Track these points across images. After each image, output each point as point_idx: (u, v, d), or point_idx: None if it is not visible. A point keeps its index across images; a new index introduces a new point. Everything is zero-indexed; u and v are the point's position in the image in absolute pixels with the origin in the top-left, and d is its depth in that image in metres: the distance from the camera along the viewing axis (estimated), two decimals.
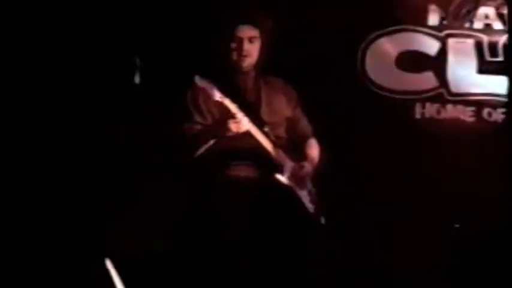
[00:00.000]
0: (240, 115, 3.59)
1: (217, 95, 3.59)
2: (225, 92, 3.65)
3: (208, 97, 3.61)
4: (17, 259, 4.05)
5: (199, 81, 3.59)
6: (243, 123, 3.60)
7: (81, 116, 4.26)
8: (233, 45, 3.72)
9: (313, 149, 3.92)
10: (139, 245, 4.14)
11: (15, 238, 4.11)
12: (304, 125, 3.94)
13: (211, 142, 3.67)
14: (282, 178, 3.73)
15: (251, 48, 3.74)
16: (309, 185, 3.84)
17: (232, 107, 3.60)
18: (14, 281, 3.91)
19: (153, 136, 4.21)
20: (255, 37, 3.75)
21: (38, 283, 3.93)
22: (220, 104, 3.60)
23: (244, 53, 3.72)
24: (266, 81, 3.86)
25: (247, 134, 3.65)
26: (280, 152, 3.74)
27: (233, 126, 3.59)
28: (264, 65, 3.89)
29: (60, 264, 4.00)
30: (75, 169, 4.24)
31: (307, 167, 3.81)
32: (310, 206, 3.79)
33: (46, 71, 4.29)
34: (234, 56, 3.73)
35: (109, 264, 3.83)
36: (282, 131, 3.84)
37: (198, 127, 3.71)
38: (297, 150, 3.84)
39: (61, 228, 4.16)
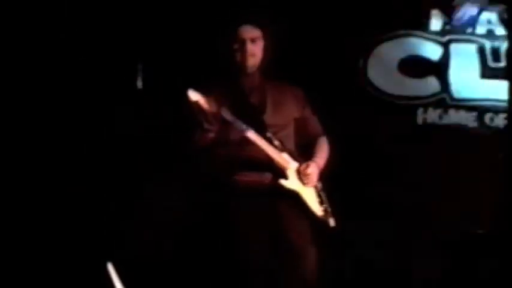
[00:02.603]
0: (238, 123, 3.54)
1: (213, 107, 3.50)
2: (230, 94, 3.62)
3: (204, 110, 3.54)
4: (20, 262, 4.00)
5: (192, 94, 3.50)
6: (243, 131, 3.56)
7: (85, 117, 4.22)
8: (236, 46, 3.68)
9: (323, 147, 3.86)
10: (142, 248, 4.09)
11: (18, 241, 4.06)
12: (315, 124, 3.89)
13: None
14: (286, 183, 3.69)
15: (254, 49, 3.70)
16: (319, 185, 3.79)
17: (229, 117, 3.54)
18: (16, 283, 3.86)
19: (158, 138, 4.18)
20: (257, 37, 3.71)
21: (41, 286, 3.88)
22: (217, 115, 3.54)
23: (248, 53, 3.68)
24: (272, 84, 3.83)
25: (249, 142, 3.61)
26: (284, 156, 3.69)
27: (232, 134, 3.56)
28: (267, 68, 3.86)
29: (63, 267, 3.96)
30: (81, 172, 4.19)
31: (313, 166, 3.76)
32: (318, 208, 3.74)
33: (46, 71, 4.24)
34: (238, 57, 3.69)
35: (111, 268, 3.78)
36: (289, 132, 3.78)
37: (211, 135, 3.65)
38: (306, 150, 3.79)
39: (63, 232, 4.11)
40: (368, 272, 4.41)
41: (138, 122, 4.27)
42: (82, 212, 4.14)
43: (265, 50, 3.75)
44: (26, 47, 4.23)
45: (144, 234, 4.14)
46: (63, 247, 4.08)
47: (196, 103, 3.47)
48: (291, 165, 3.68)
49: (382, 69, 4.64)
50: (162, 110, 4.18)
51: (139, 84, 4.31)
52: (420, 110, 4.64)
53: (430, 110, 4.64)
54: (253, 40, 3.69)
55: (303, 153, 3.76)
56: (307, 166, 3.70)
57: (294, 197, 3.67)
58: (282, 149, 3.68)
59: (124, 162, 4.24)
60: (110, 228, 4.13)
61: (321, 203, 3.73)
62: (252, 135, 3.56)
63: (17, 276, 3.93)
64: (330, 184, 4.03)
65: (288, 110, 3.78)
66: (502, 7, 4.55)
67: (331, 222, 3.73)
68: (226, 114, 3.50)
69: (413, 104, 4.64)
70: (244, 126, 3.53)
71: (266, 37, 3.74)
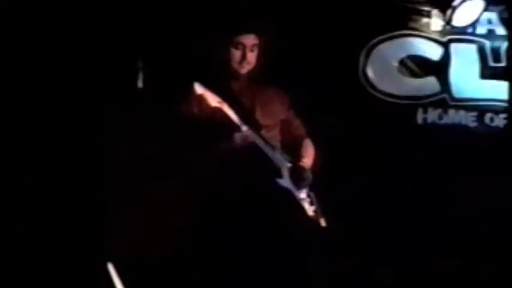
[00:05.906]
0: (238, 122, 3.57)
1: (216, 100, 3.57)
2: (222, 97, 3.65)
3: (206, 104, 3.58)
4: (19, 263, 4.02)
5: (198, 87, 3.57)
6: (242, 130, 3.59)
7: (85, 117, 4.22)
8: (236, 52, 3.70)
9: (309, 149, 3.92)
10: (142, 248, 4.09)
11: (16, 241, 4.07)
12: (298, 126, 3.95)
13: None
14: (281, 181, 3.71)
15: (252, 56, 3.74)
16: (308, 187, 3.82)
17: (231, 112, 3.58)
18: (16, 283, 3.87)
19: (154, 139, 4.19)
20: (255, 45, 3.74)
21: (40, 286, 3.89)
22: (219, 110, 3.58)
23: (246, 60, 3.71)
24: (258, 87, 3.87)
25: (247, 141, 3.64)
26: (278, 154, 3.73)
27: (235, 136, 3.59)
28: (263, 71, 3.87)
29: (62, 267, 3.97)
30: (81, 171, 4.20)
31: (309, 171, 3.79)
32: (309, 208, 3.76)
33: (46, 71, 4.24)
34: (235, 63, 3.72)
35: (111, 268, 3.80)
36: (276, 133, 3.84)
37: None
38: (291, 151, 3.82)
39: (63, 232, 4.11)
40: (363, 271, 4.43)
41: (137, 121, 4.28)
42: (82, 212, 4.15)
43: (259, 57, 3.79)
44: (25, 47, 4.22)
45: (144, 233, 4.14)
46: (63, 247, 4.08)
47: (200, 96, 3.55)
48: (285, 164, 3.72)
49: (382, 69, 4.64)
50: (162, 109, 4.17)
51: (140, 84, 4.32)
52: (420, 110, 4.65)
53: (430, 110, 4.65)
54: (252, 48, 3.72)
55: (289, 154, 3.79)
56: (304, 170, 3.74)
57: (288, 195, 3.70)
58: (277, 147, 3.73)
59: (124, 161, 4.25)
60: (110, 228, 4.14)
61: (311, 203, 3.78)
62: (250, 133, 3.60)
63: (16, 276, 3.95)
64: (329, 184, 4.08)
65: (275, 111, 3.85)
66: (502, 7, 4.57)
67: (322, 222, 3.77)
68: (228, 110, 3.56)
69: (413, 104, 4.65)
70: (243, 125, 3.57)
71: (262, 45, 3.77)
